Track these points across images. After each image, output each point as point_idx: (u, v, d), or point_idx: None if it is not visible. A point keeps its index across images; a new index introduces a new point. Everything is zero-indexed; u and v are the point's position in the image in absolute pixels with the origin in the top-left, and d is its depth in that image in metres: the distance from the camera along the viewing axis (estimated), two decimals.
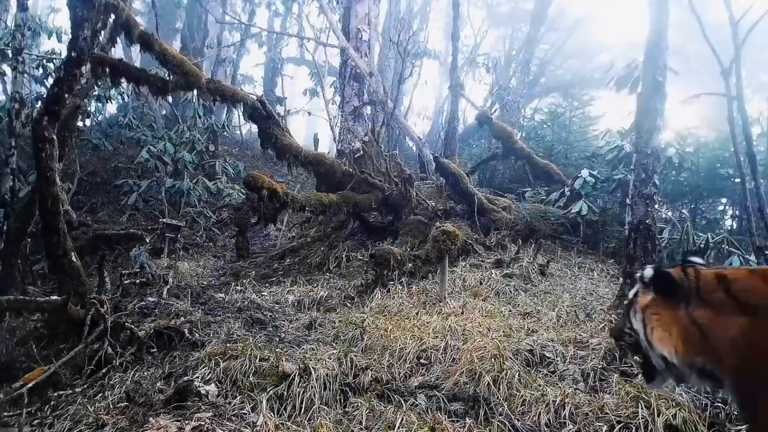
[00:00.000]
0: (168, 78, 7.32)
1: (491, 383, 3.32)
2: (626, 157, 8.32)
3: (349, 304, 5.66)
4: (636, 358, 2.01)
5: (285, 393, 3.20)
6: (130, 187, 10.45)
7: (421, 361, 3.93)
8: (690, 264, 1.81)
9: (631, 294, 1.93)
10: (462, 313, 4.98)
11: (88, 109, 11.79)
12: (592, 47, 22.28)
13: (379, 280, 5.94)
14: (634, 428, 2.93)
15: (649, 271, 1.84)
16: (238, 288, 6.14)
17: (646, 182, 5.17)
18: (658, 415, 2.95)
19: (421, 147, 10.58)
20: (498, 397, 3.25)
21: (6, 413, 3.30)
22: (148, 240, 7.56)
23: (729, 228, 9.30)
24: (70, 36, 5.10)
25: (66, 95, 5.02)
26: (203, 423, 2.87)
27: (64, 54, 5.55)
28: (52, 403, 3.43)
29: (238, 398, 3.16)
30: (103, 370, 3.85)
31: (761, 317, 1.58)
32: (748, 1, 6.02)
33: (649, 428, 2.91)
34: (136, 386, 3.45)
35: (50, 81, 8.88)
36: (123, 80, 7.33)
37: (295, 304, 5.68)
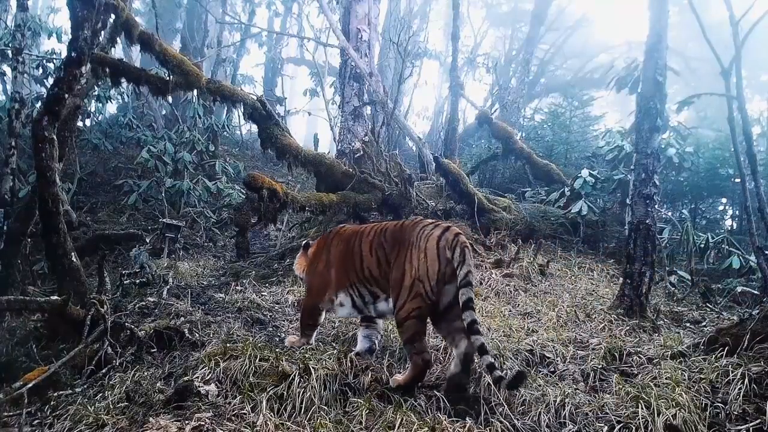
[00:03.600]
0: (168, 78, 7.32)
1: (491, 383, 3.32)
2: (626, 157, 8.32)
3: None
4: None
5: (285, 393, 3.19)
6: (130, 187, 10.44)
7: None
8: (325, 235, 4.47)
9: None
10: None
11: (88, 109, 11.81)
12: (592, 47, 22.26)
13: None
14: (634, 428, 2.93)
15: (304, 242, 4.53)
16: (238, 288, 6.12)
17: (646, 182, 5.17)
18: (658, 415, 2.95)
19: (421, 147, 10.57)
20: (498, 397, 3.25)
21: (6, 413, 3.29)
22: (148, 240, 7.56)
23: (729, 228, 9.31)
24: (70, 36, 5.10)
25: (66, 95, 5.02)
26: (203, 423, 2.87)
27: (64, 54, 5.55)
28: (52, 403, 3.41)
29: (238, 398, 3.16)
30: (103, 370, 3.84)
31: (312, 250, 4.38)
32: (748, 1, 6.01)
33: (649, 428, 2.91)
34: (136, 386, 3.45)
35: (50, 81, 8.88)
36: (123, 80, 7.34)
37: (295, 304, 5.67)
